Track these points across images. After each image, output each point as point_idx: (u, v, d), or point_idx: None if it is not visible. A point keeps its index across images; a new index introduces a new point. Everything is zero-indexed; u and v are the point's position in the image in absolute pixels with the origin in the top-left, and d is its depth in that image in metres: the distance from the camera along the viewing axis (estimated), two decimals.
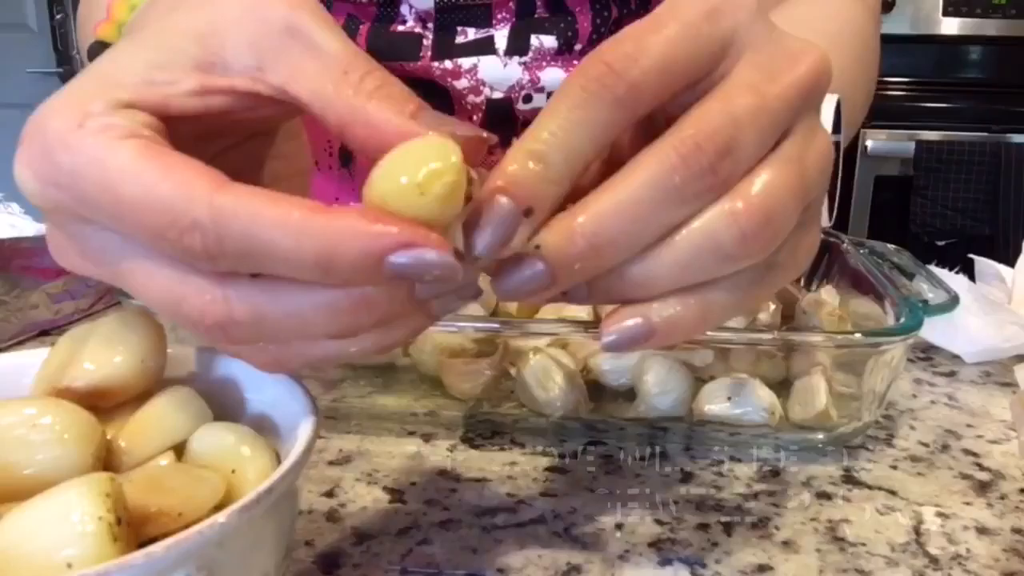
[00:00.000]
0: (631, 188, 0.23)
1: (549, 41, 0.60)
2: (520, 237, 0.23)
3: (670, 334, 0.25)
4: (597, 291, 0.25)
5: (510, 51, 0.60)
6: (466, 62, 0.60)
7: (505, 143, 0.58)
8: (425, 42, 0.60)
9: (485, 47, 0.60)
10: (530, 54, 0.60)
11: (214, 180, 0.21)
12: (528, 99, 0.61)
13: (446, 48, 0.60)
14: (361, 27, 0.61)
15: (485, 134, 0.23)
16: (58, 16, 2.31)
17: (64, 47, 2.34)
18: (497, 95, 0.61)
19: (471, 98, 0.61)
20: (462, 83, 0.60)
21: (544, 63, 0.61)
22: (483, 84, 0.61)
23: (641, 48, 0.23)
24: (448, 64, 0.60)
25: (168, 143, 0.23)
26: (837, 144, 0.44)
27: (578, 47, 0.61)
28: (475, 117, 0.62)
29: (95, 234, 0.24)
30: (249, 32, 0.24)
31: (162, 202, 0.21)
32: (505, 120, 0.62)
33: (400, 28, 0.60)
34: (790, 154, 0.24)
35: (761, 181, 0.24)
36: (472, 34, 0.60)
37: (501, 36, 0.60)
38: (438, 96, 0.62)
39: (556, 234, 0.23)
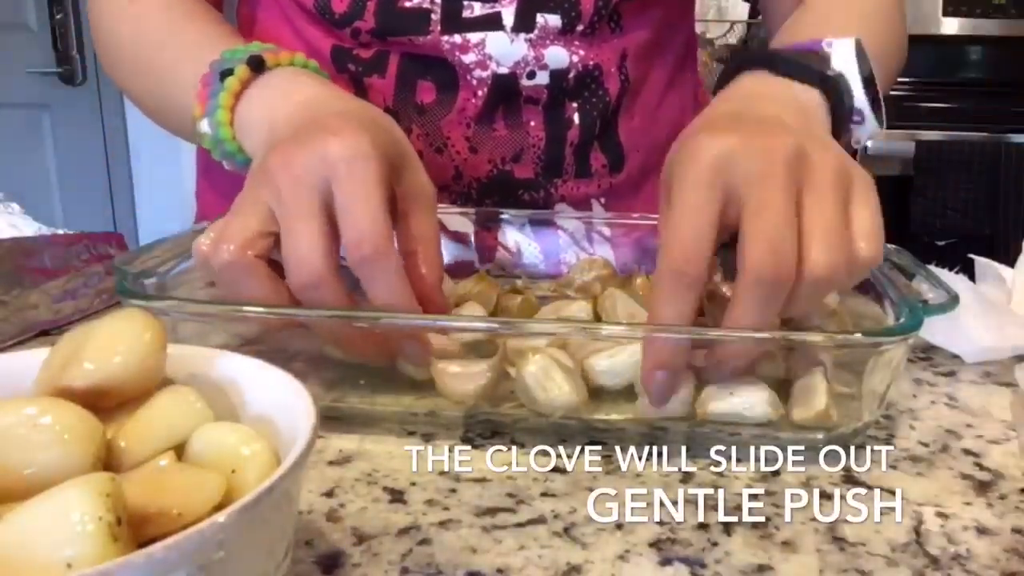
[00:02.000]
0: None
1: (553, 20, 0.62)
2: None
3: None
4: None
5: (517, 27, 0.61)
6: (474, 37, 0.61)
7: (507, 114, 0.61)
8: (434, 16, 0.61)
9: (493, 22, 0.61)
10: (536, 31, 0.61)
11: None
12: (532, 75, 0.62)
13: (455, 22, 0.61)
14: (369, 3, 0.61)
15: None
16: (58, 16, 2.31)
17: (64, 47, 2.34)
18: (503, 70, 0.62)
19: (477, 72, 0.62)
20: (470, 57, 0.62)
21: (548, 41, 0.62)
22: (490, 59, 0.62)
23: (687, 254, 0.36)
24: (457, 38, 0.61)
25: None
26: (871, 80, 0.47)
27: (580, 27, 0.62)
28: (480, 92, 0.62)
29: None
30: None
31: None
32: (509, 95, 0.63)
33: (408, 4, 0.61)
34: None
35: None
36: (479, 8, 0.61)
37: (508, 13, 0.61)
38: (444, 72, 0.62)
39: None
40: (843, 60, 0.47)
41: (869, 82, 0.47)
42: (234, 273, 0.40)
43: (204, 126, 0.50)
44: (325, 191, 0.40)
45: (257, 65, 0.50)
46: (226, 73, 0.49)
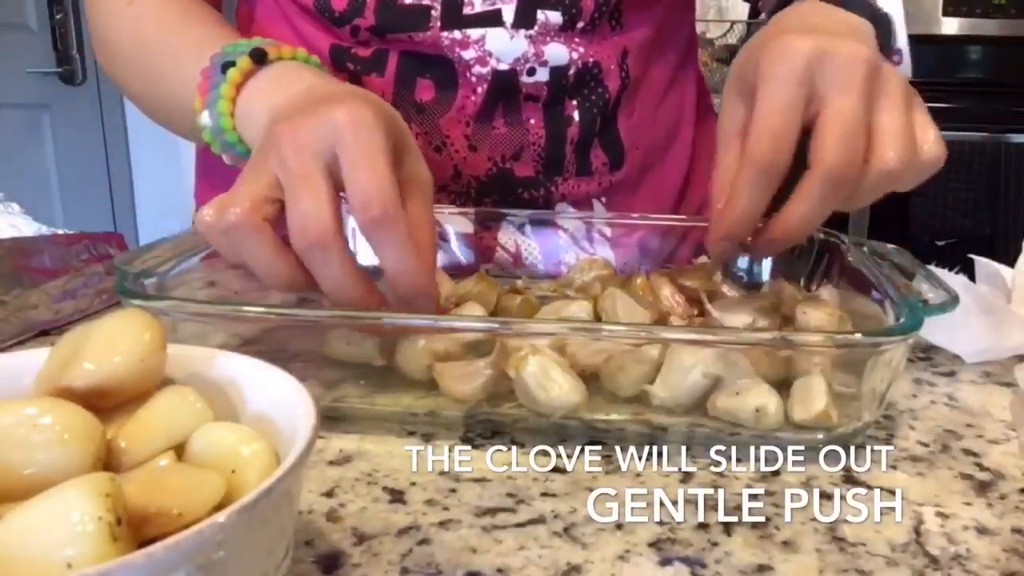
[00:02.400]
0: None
1: (554, 16, 0.62)
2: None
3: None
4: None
5: (517, 24, 0.61)
6: (474, 33, 0.61)
7: (507, 112, 0.59)
8: (434, 13, 0.61)
9: (493, 19, 0.61)
10: (536, 28, 0.61)
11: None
12: (532, 72, 0.63)
13: (455, 18, 0.61)
14: (368, 0, 0.61)
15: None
16: (58, 16, 2.31)
17: (64, 47, 2.34)
18: (503, 67, 0.62)
19: (477, 68, 0.62)
20: (469, 53, 0.62)
21: (548, 38, 0.62)
22: (490, 55, 0.62)
23: (778, 144, 0.40)
24: (457, 34, 0.61)
25: None
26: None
27: (580, 24, 0.62)
28: (479, 89, 0.62)
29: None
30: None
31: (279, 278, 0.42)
32: (509, 92, 0.63)
33: (408, 0, 0.61)
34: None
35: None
36: (479, 5, 0.61)
37: (508, 9, 0.61)
38: (443, 70, 0.62)
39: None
40: (890, 1, 0.49)
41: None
42: (240, 235, 0.40)
43: (205, 118, 0.50)
44: (330, 158, 0.40)
45: (259, 58, 0.50)
46: (228, 65, 0.50)
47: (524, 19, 0.61)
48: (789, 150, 0.40)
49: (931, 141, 0.42)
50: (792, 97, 0.40)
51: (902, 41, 0.50)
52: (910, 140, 0.41)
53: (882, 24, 0.49)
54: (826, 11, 0.48)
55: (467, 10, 0.61)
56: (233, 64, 0.49)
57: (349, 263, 0.40)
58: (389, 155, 0.41)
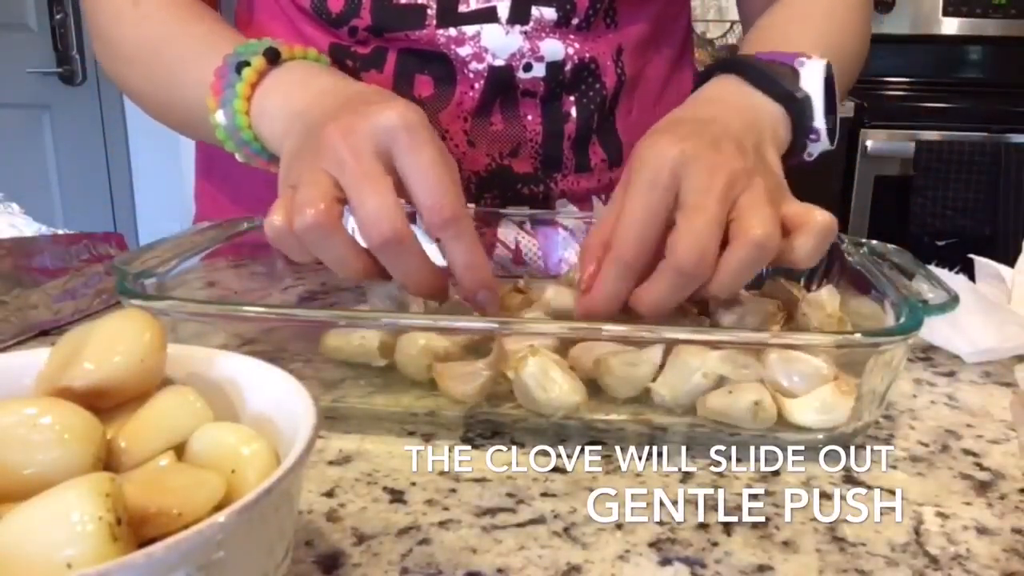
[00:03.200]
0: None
1: (548, 13, 0.62)
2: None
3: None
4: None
5: (512, 20, 0.62)
6: (470, 30, 0.62)
7: (504, 108, 0.59)
8: (429, 11, 0.61)
9: (488, 16, 0.62)
10: (531, 24, 0.62)
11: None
12: (528, 68, 0.63)
13: (450, 16, 0.62)
14: (364, 0, 0.61)
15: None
16: (58, 16, 2.31)
17: (64, 47, 2.34)
18: (499, 62, 0.62)
19: (473, 65, 0.62)
20: (465, 50, 0.62)
21: (544, 34, 0.62)
22: (485, 51, 0.62)
23: (638, 248, 0.41)
24: (453, 31, 0.62)
25: None
26: (833, 107, 0.52)
27: (575, 20, 0.62)
28: (476, 84, 0.63)
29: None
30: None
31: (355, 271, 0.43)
32: (506, 88, 0.63)
33: (403, 0, 0.61)
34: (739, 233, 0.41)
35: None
36: (474, 3, 0.61)
37: (503, 6, 0.62)
38: (441, 66, 0.62)
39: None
40: (812, 82, 0.51)
41: (831, 108, 0.52)
42: (318, 234, 0.41)
43: (219, 117, 0.52)
44: (387, 159, 0.42)
45: (273, 57, 0.52)
46: (242, 65, 0.51)
47: (519, 15, 0.62)
48: (649, 250, 0.41)
49: (813, 217, 0.43)
50: (655, 203, 0.41)
51: (819, 122, 0.51)
52: (773, 218, 0.41)
53: (800, 106, 0.51)
54: (736, 97, 0.51)
55: (462, 7, 0.61)
56: (248, 64, 0.51)
57: (423, 255, 0.42)
58: (446, 156, 0.43)
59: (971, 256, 0.57)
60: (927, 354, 0.52)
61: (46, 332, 0.54)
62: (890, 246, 0.50)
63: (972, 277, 0.54)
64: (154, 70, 0.61)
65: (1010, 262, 0.56)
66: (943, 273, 0.48)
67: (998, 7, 2.07)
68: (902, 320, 0.39)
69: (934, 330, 0.51)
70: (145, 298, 0.40)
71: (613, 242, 0.42)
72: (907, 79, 2.13)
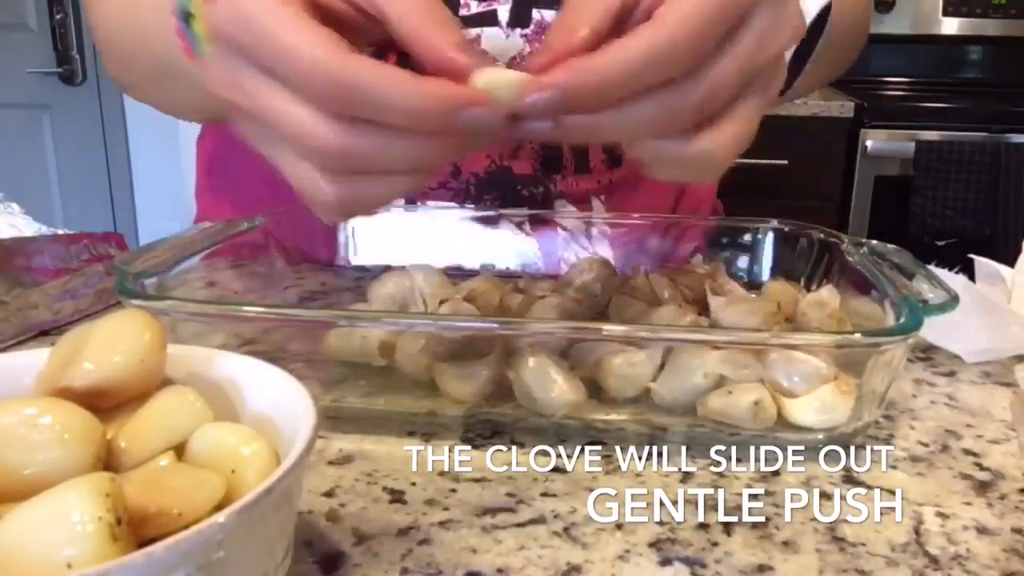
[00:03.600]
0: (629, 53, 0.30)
1: (549, 15, 0.62)
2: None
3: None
4: (571, 124, 0.32)
5: (512, 23, 0.62)
6: (470, 32, 0.61)
7: None
8: None
9: (489, 19, 0.62)
10: (531, 27, 0.62)
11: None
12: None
13: None
14: None
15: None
16: (58, 16, 2.31)
17: (64, 47, 2.34)
18: (499, 65, 0.62)
19: None
20: None
21: (544, 36, 0.62)
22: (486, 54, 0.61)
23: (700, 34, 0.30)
24: None
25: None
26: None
27: None
28: None
29: (251, 73, 0.30)
30: None
31: (311, 54, 0.29)
32: None
33: None
34: (739, 51, 0.31)
35: (715, 74, 0.31)
36: (475, 7, 0.62)
37: (504, 9, 0.62)
38: None
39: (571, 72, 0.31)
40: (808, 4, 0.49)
41: (806, 53, 0.50)
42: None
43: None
44: None
45: None
46: None
47: (519, 18, 0.62)
48: (703, 53, 0.31)
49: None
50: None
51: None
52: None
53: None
54: None
55: (463, 11, 0.61)
56: None
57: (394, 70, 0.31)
58: None
59: (971, 256, 0.57)
60: (927, 354, 0.52)
61: (46, 332, 0.54)
62: (890, 246, 0.50)
63: (972, 277, 0.54)
64: (132, 36, 0.58)
65: (1010, 262, 0.56)
66: (943, 273, 0.48)
67: (998, 7, 2.07)
68: (902, 320, 0.39)
69: (934, 330, 0.51)
70: (145, 298, 0.40)
71: (663, 10, 0.31)
72: (907, 79, 2.13)
